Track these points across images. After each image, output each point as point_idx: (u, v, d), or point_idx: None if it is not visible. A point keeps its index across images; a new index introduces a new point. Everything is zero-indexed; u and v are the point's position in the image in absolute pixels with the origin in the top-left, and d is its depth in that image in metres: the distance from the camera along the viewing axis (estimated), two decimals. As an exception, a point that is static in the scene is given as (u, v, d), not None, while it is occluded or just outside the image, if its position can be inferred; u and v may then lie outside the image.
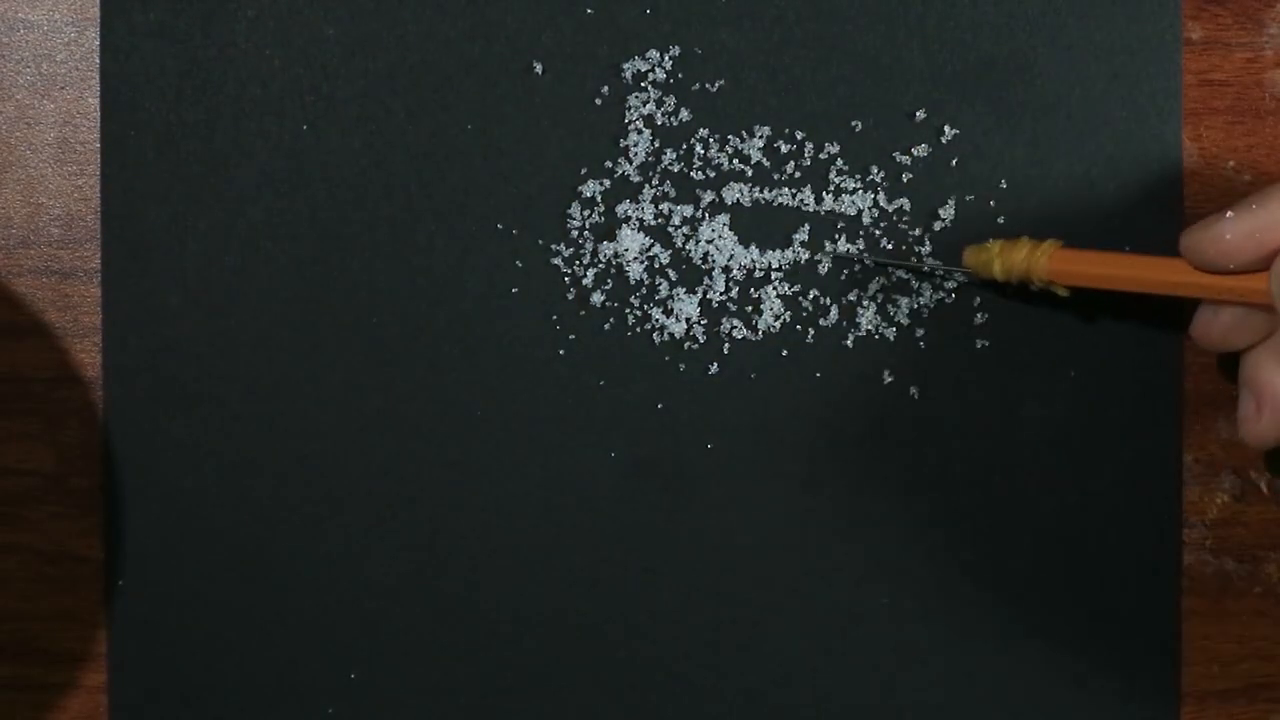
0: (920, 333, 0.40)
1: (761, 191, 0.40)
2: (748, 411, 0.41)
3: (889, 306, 0.40)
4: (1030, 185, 0.40)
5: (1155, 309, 0.40)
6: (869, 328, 0.40)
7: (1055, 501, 0.40)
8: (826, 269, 0.40)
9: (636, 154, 0.40)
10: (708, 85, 0.40)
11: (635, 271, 0.40)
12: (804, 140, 0.40)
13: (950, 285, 0.40)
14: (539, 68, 0.40)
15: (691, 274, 0.40)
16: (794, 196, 0.40)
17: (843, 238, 0.40)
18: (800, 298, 0.40)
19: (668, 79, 0.40)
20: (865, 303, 0.40)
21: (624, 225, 0.40)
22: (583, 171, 0.40)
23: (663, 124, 0.40)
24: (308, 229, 0.40)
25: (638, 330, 0.41)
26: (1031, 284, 0.38)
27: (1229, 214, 0.34)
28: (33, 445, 0.41)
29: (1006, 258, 0.38)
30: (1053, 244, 0.38)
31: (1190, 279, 0.36)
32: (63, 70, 0.41)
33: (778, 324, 0.40)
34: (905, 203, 0.40)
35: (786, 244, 0.40)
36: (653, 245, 0.40)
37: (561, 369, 0.41)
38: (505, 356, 0.41)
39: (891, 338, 0.40)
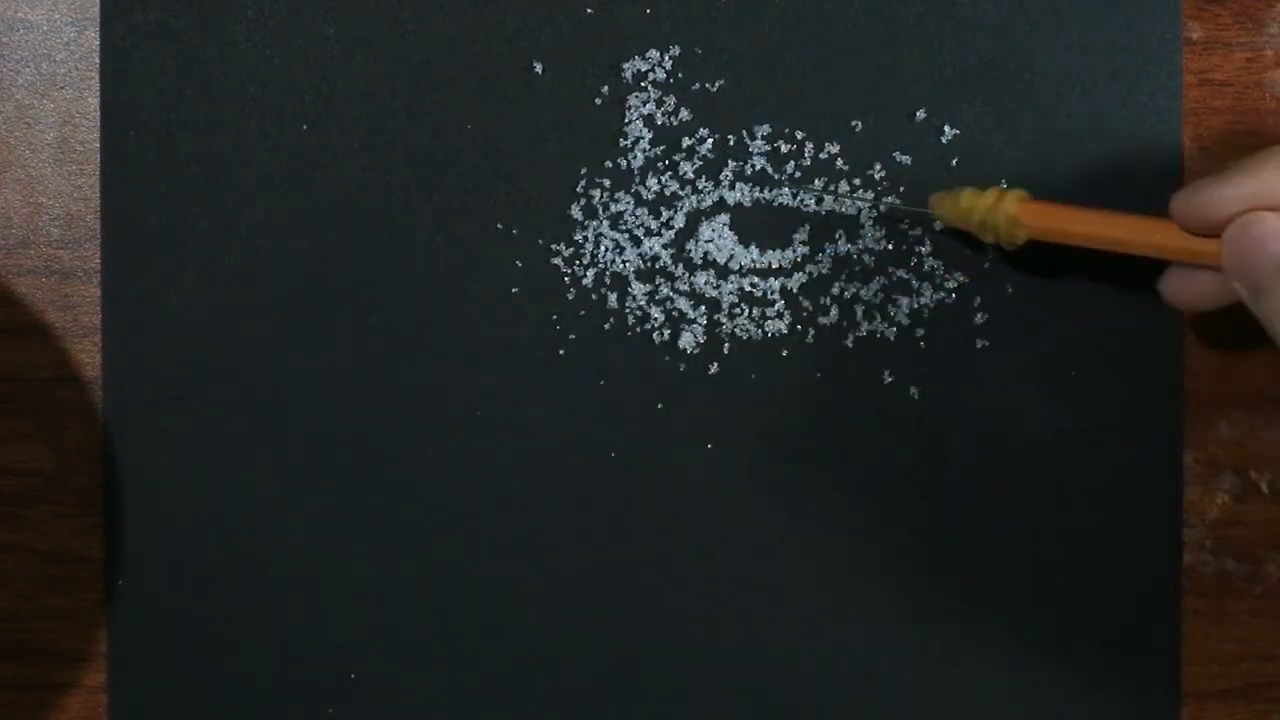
0: (920, 333, 0.40)
1: (761, 191, 0.40)
2: (748, 411, 0.41)
3: (889, 306, 0.40)
4: (1030, 185, 0.40)
5: (1155, 309, 0.40)
6: (869, 328, 0.40)
7: (1055, 501, 0.40)
8: (827, 268, 0.40)
9: (636, 154, 0.40)
10: (708, 85, 0.40)
11: (635, 271, 0.40)
12: (804, 140, 0.40)
13: (950, 285, 0.40)
14: (539, 68, 0.40)
15: (691, 274, 0.40)
16: (794, 196, 0.40)
17: (843, 238, 0.40)
18: (800, 298, 0.40)
19: (668, 79, 0.40)
20: (865, 303, 0.40)
21: (625, 226, 0.40)
22: (583, 171, 0.40)
23: (663, 124, 0.40)
24: (308, 229, 0.40)
25: (638, 330, 0.41)
26: (989, 234, 0.38)
27: (1223, 180, 0.34)
28: (33, 445, 0.41)
29: (971, 203, 0.38)
30: (1020, 192, 0.38)
31: (1171, 242, 0.36)
32: (63, 70, 0.41)
33: (778, 324, 0.40)
34: (905, 203, 0.40)
35: (786, 244, 0.40)
36: (653, 245, 0.40)
37: (561, 369, 0.41)
38: (505, 356, 0.41)
39: (891, 338, 0.40)
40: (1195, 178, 0.41)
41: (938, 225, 0.40)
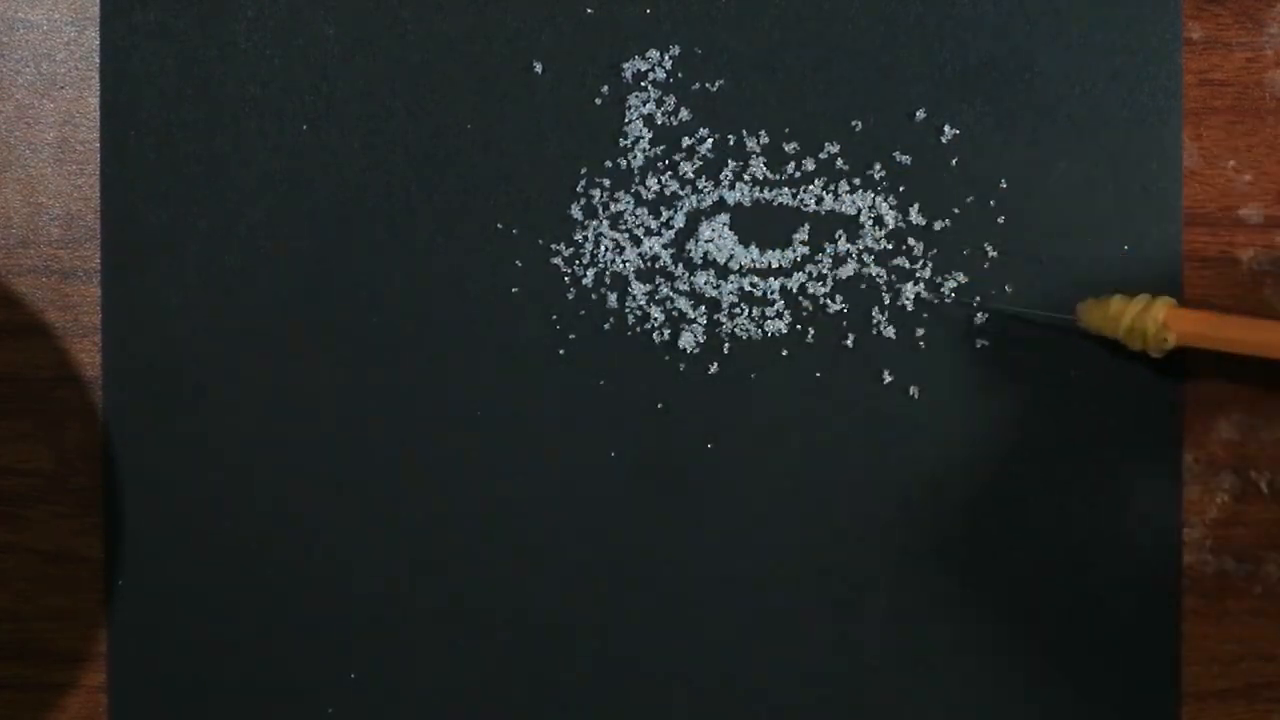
0: (920, 333, 0.40)
1: (761, 191, 0.40)
2: (748, 411, 0.41)
3: (889, 305, 0.40)
4: (1030, 185, 0.40)
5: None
6: (869, 328, 0.40)
7: (1055, 501, 0.40)
8: (827, 268, 0.40)
9: (636, 154, 0.40)
10: (708, 85, 0.40)
11: (635, 271, 0.40)
12: (804, 140, 0.40)
13: (950, 285, 0.40)
14: (539, 68, 0.40)
15: (691, 274, 0.40)
16: (794, 196, 0.40)
17: (843, 238, 0.40)
18: (800, 297, 0.40)
19: (668, 79, 0.40)
20: (865, 302, 0.40)
21: (624, 225, 0.40)
22: (583, 171, 0.40)
23: (663, 124, 0.40)
24: (308, 229, 0.41)
25: (638, 330, 0.41)
26: (1137, 341, 0.38)
27: None
28: (33, 445, 0.41)
29: (1120, 309, 0.38)
30: (1168, 300, 0.38)
31: None
32: (63, 70, 0.41)
33: (778, 324, 0.40)
34: (904, 203, 0.40)
35: (787, 244, 0.40)
36: (653, 245, 0.40)
37: (561, 369, 0.41)
38: (505, 356, 0.41)
39: (892, 337, 0.40)
40: (1196, 178, 0.41)
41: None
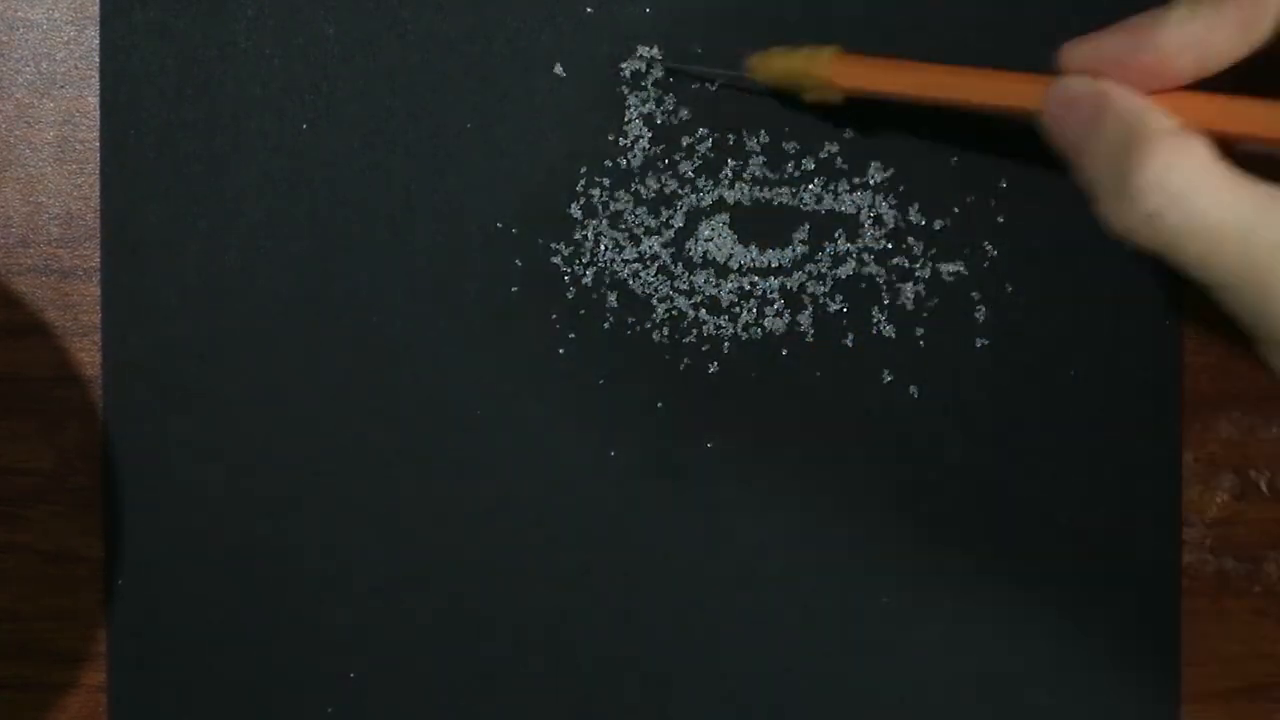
0: (920, 332, 0.40)
1: (761, 190, 0.40)
2: (748, 411, 0.41)
3: (888, 305, 0.40)
4: (1030, 185, 0.40)
5: (1155, 309, 0.40)
6: (869, 327, 0.40)
7: (1055, 501, 0.40)
8: (826, 267, 0.40)
9: (636, 153, 0.40)
10: (707, 84, 0.40)
11: (635, 271, 0.40)
12: (803, 139, 0.40)
13: (951, 282, 0.40)
14: (538, 67, 0.40)
15: (691, 273, 0.40)
16: (793, 195, 0.40)
17: (843, 238, 0.40)
18: (801, 296, 0.40)
19: (667, 78, 0.40)
20: (865, 301, 0.40)
21: (625, 225, 0.40)
22: (582, 171, 0.40)
23: (662, 123, 0.40)
24: (308, 229, 0.41)
25: (637, 330, 0.41)
26: (807, 91, 0.38)
27: (1170, 17, 0.28)
28: (33, 445, 0.41)
29: (786, 62, 0.38)
30: (833, 50, 0.37)
31: (989, 86, 0.34)
32: (63, 70, 0.41)
33: (778, 323, 0.40)
34: (904, 202, 0.40)
35: (786, 243, 0.40)
36: (653, 245, 0.40)
37: (561, 369, 0.41)
38: (505, 356, 0.41)
39: (892, 336, 0.40)
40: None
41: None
